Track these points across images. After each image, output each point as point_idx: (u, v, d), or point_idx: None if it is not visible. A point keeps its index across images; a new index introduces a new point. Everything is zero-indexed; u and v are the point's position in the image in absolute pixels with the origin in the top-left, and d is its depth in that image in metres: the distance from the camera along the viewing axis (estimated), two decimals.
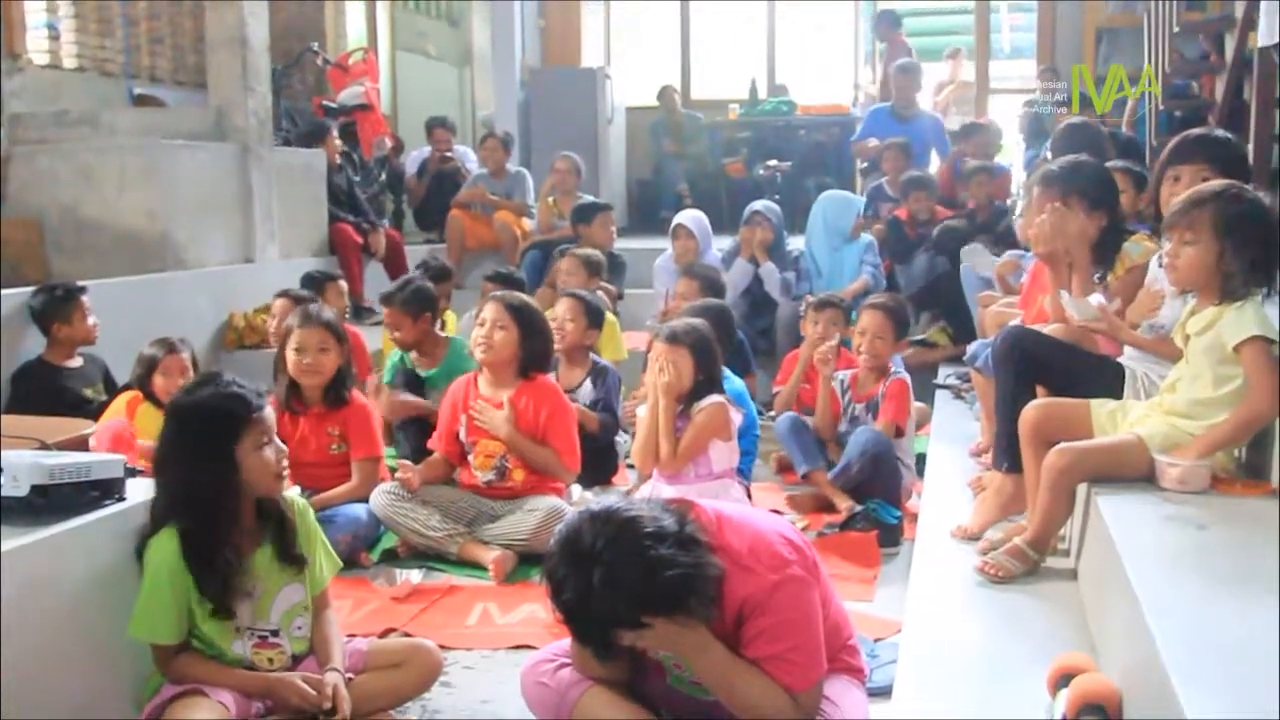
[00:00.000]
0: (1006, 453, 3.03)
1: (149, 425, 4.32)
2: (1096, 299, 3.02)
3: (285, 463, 2.62)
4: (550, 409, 4.10)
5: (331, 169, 7.60)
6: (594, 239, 6.95)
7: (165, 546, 2.50)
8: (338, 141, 7.73)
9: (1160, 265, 3.06)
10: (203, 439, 2.53)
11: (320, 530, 2.79)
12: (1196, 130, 3.40)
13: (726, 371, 4.58)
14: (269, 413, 2.60)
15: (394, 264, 7.61)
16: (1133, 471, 2.65)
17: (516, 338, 4.07)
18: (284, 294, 5.49)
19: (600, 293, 6.51)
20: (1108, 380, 2.96)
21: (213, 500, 2.51)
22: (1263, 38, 4.66)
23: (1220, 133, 3.37)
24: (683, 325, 4.00)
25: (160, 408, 4.42)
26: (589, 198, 7.93)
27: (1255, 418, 2.58)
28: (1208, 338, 2.62)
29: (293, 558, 2.65)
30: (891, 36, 10.27)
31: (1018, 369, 3.08)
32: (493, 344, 4.06)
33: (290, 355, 4.02)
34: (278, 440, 2.62)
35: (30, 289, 5.12)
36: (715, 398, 3.87)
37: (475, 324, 4.17)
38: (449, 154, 9.11)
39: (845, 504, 4.23)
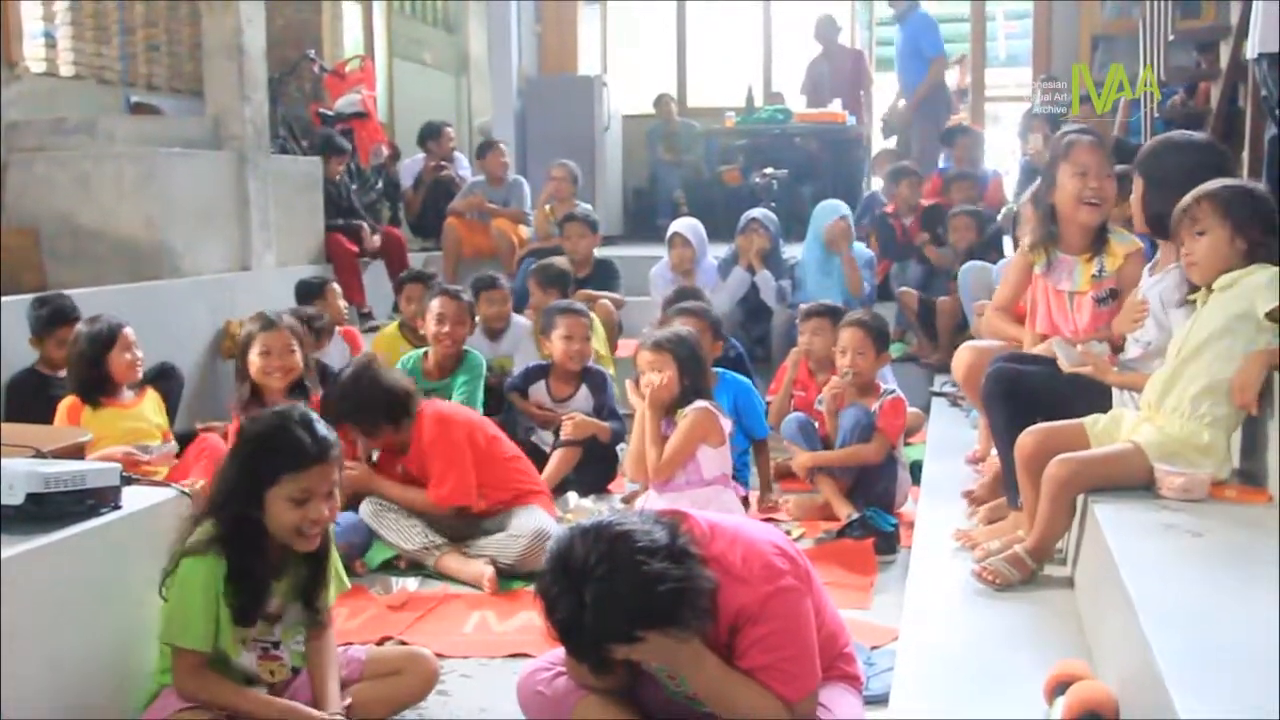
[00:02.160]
0: (1017, 488, 3.03)
1: (104, 429, 4.15)
2: (1083, 344, 3.05)
3: (316, 522, 2.51)
4: (430, 437, 4.01)
5: (329, 179, 7.58)
6: (569, 249, 6.94)
7: (193, 545, 2.47)
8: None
9: (1151, 275, 3.08)
10: (240, 468, 2.50)
11: (335, 551, 2.77)
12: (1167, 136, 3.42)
13: (733, 375, 4.62)
14: (319, 471, 2.48)
15: (397, 265, 7.58)
16: (1131, 480, 2.67)
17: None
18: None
19: (606, 302, 6.54)
20: (1094, 397, 2.97)
21: (236, 528, 2.48)
22: (1251, 49, 4.67)
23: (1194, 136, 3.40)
24: (668, 333, 4.04)
25: (103, 404, 4.31)
26: (585, 206, 7.93)
27: None
28: (1232, 292, 2.63)
29: (312, 607, 2.63)
30: (829, 42, 10.35)
31: (1006, 408, 3.13)
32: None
33: (256, 360, 4.03)
34: (322, 502, 2.50)
35: (26, 297, 5.12)
36: (700, 403, 3.88)
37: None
38: (445, 162, 9.09)
39: (845, 510, 4.23)
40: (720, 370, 4.61)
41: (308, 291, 6.13)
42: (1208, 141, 3.45)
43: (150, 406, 4.54)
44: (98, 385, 4.35)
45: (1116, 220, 3.71)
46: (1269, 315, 2.56)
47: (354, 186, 8.00)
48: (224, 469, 2.56)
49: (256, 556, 2.50)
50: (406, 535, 3.94)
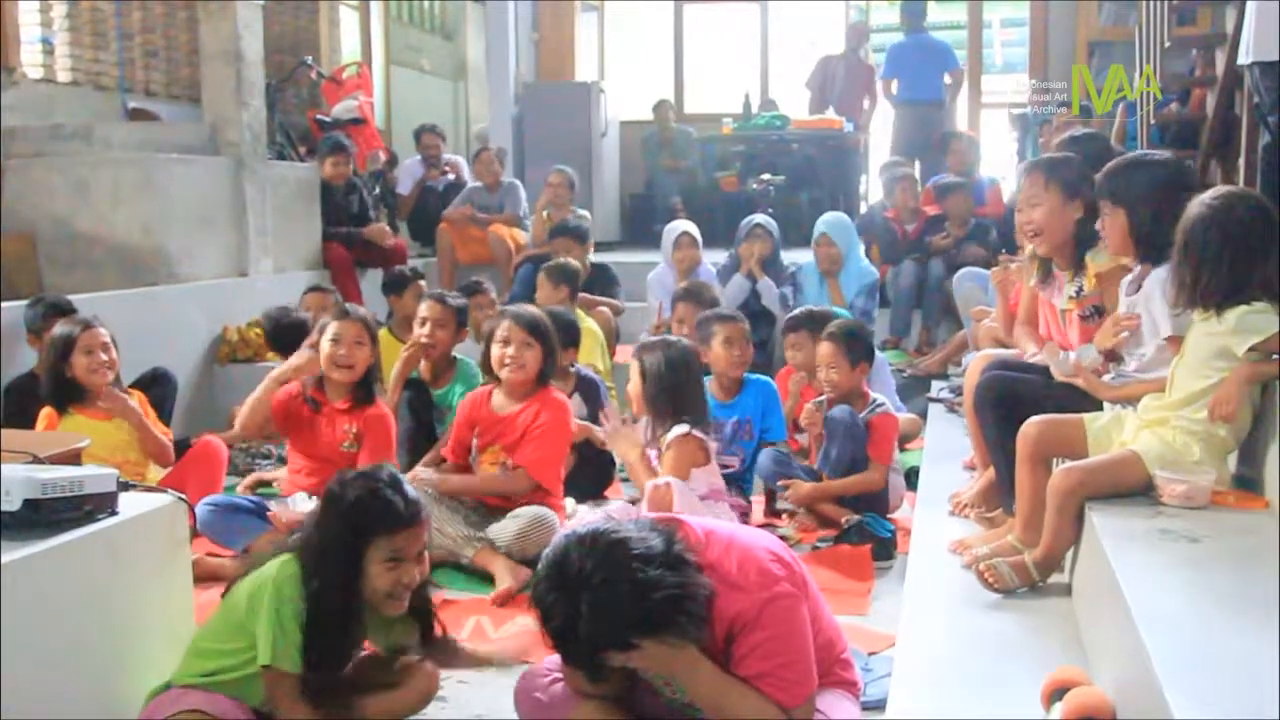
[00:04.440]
0: (1013, 494, 3.03)
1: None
2: (1074, 355, 3.05)
3: (407, 586, 2.55)
4: (547, 422, 4.09)
5: (335, 187, 7.57)
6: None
7: (293, 579, 2.50)
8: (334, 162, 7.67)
9: (1128, 294, 3.08)
10: (334, 532, 2.52)
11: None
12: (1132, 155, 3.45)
13: (759, 377, 4.64)
14: (411, 533, 2.53)
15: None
16: (1132, 486, 2.67)
17: (539, 355, 4.11)
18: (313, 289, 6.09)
19: (605, 309, 6.54)
20: (1086, 406, 2.98)
21: (330, 592, 2.49)
22: (1243, 55, 4.68)
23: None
24: (653, 342, 4.05)
25: (73, 412, 4.18)
26: (582, 211, 7.94)
27: None
28: (1212, 324, 2.65)
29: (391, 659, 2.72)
30: (852, 49, 10.42)
31: (997, 415, 3.14)
32: (522, 363, 4.09)
33: (325, 346, 4.05)
34: (413, 565, 2.54)
35: (23, 302, 5.12)
36: (680, 429, 3.86)
37: (497, 341, 4.14)
38: (436, 157, 9.10)
39: (844, 514, 4.22)
40: (746, 374, 4.61)
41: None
42: (1172, 158, 3.49)
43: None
44: (65, 392, 4.22)
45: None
46: (1252, 350, 2.58)
47: (372, 190, 7.94)
48: (317, 530, 2.57)
49: (344, 621, 2.52)
50: (451, 524, 3.90)
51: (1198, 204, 2.69)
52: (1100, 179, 3.21)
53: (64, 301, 5.01)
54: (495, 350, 4.13)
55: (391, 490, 2.53)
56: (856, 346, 4.47)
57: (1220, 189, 2.79)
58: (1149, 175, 3.05)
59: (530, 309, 4.38)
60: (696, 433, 3.86)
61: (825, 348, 4.46)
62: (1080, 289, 3.38)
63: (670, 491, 3.66)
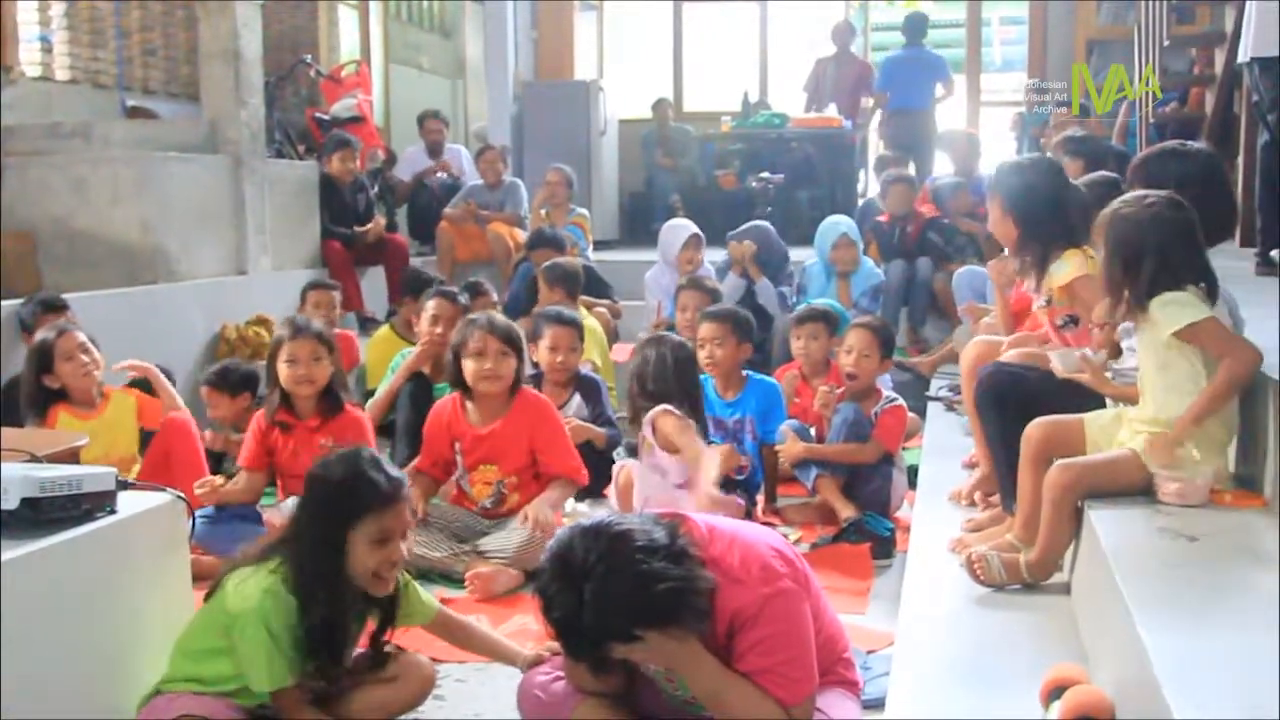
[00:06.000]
0: (1013, 493, 3.02)
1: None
2: (1081, 351, 3.05)
3: (395, 564, 2.56)
4: (547, 429, 4.09)
5: (343, 185, 7.56)
6: None
7: (277, 598, 2.48)
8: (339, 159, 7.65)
9: None
10: (319, 514, 2.53)
11: (411, 581, 2.82)
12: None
13: (760, 376, 4.69)
14: (397, 509, 2.53)
15: (397, 269, 7.55)
16: (1131, 485, 2.66)
17: (515, 364, 4.07)
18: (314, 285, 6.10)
19: (604, 309, 6.53)
20: (1089, 405, 2.97)
21: (318, 577, 2.50)
22: (1243, 53, 4.68)
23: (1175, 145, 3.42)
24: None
25: (55, 409, 4.12)
26: (581, 210, 7.92)
27: (1235, 377, 2.57)
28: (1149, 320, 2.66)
29: (380, 654, 2.71)
30: (843, 47, 10.41)
31: (999, 411, 3.14)
32: (500, 375, 4.02)
33: (283, 368, 4.01)
34: (400, 542, 2.55)
35: (21, 301, 5.12)
36: (661, 407, 3.93)
37: (470, 354, 4.04)
38: (439, 143, 9.09)
39: (845, 511, 4.22)
40: (748, 372, 4.62)
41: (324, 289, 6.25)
42: (1205, 149, 3.46)
43: (119, 412, 4.30)
44: (48, 398, 4.14)
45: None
46: (1176, 335, 2.58)
47: (371, 189, 7.91)
48: (302, 517, 2.59)
49: (337, 605, 2.52)
50: (435, 544, 3.89)
51: (1121, 210, 2.71)
52: (1135, 167, 3.23)
53: (57, 299, 4.99)
54: (469, 364, 4.01)
55: (374, 469, 2.54)
56: (887, 342, 4.59)
57: (1137, 192, 2.80)
58: (1184, 166, 3.07)
59: (499, 317, 4.29)
60: (675, 411, 3.89)
61: (860, 334, 4.53)
62: (1050, 299, 3.39)
63: (629, 472, 3.71)
